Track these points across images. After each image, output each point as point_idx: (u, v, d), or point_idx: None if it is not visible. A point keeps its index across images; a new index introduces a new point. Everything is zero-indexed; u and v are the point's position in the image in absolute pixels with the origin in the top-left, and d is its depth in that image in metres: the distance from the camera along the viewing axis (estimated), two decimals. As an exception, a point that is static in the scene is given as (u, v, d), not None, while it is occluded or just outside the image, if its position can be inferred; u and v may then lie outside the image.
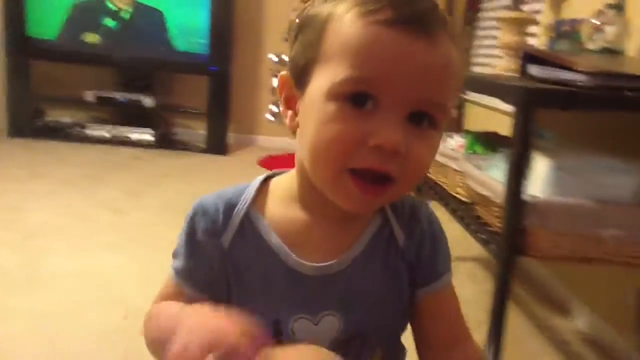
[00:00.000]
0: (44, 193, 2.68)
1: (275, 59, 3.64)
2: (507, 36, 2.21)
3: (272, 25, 4.00)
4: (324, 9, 0.56)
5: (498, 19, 2.26)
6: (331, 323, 0.62)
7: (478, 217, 1.60)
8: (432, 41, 0.52)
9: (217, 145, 3.90)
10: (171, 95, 4.12)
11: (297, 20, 0.59)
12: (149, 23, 3.84)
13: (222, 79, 3.81)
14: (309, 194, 0.62)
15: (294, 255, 0.62)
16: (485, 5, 3.20)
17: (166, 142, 3.98)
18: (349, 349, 0.63)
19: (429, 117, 0.55)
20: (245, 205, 0.63)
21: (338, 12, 0.54)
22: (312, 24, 0.56)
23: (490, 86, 1.35)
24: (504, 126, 1.91)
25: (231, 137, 4.07)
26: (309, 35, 0.56)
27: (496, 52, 2.28)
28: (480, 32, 3.21)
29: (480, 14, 3.23)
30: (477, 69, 3.11)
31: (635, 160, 1.33)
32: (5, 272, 1.82)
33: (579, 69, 1.22)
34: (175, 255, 0.66)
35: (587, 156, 1.35)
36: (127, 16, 3.81)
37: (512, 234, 1.31)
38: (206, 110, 3.89)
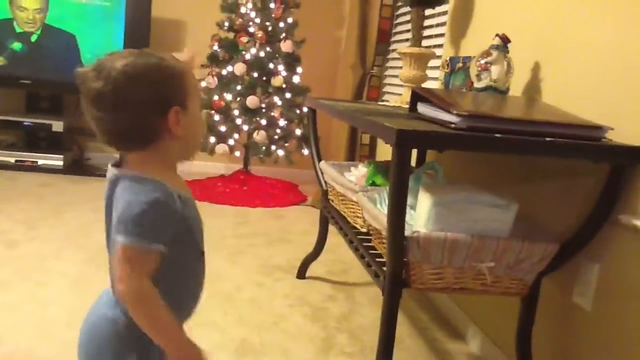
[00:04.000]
0: None
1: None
2: (407, 70, 2.29)
3: (191, 46, 4.00)
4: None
5: (400, 53, 2.34)
6: None
7: (373, 249, 1.64)
8: None
9: (132, 171, 3.79)
10: (84, 118, 3.98)
11: None
12: (59, 46, 3.73)
13: (137, 103, 3.72)
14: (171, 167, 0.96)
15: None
16: (394, 38, 3.31)
17: (77, 167, 3.84)
18: None
19: None
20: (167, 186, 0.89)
21: None
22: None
23: (369, 125, 1.40)
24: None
25: (148, 162, 3.98)
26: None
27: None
28: (390, 64, 3.32)
29: (390, 47, 3.34)
30: (386, 100, 3.21)
31: (510, 196, 1.41)
32: None
33: (453, 110, 1.29)
34: (144, 231, 0.84)
35: (467, 192, 1.41)
36: (34, 39, 3.69)
37: (396, 268, 1.35)
38: (120, 135, 3.79)
